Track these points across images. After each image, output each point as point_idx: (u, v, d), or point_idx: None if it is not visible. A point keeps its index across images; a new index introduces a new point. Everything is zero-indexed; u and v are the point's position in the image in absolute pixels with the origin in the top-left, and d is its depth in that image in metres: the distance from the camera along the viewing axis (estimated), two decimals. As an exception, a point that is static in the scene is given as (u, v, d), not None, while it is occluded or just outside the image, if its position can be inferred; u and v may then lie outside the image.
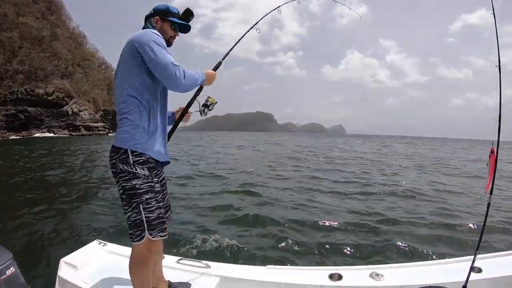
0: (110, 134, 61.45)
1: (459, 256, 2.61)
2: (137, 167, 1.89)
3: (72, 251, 2.69)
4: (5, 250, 2.02)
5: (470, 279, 1.93)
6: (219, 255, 4.41)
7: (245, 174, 12.42)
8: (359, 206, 7.55)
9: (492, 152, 2.00)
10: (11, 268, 1.92)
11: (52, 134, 53.30)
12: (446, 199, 8.95)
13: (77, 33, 76.33)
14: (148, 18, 2.15)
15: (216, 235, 5.10)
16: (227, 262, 2.70)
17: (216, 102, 2.35)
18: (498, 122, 1.97)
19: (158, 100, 2.03)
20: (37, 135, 50.89)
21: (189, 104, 2.37)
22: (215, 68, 2.36)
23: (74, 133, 56.65)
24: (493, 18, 2.16)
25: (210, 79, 2.24)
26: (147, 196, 1.90)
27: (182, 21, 2.18)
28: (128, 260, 2.01)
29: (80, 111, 60.53)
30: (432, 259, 2.70)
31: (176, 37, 2.21)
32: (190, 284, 2.32)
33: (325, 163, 18.82)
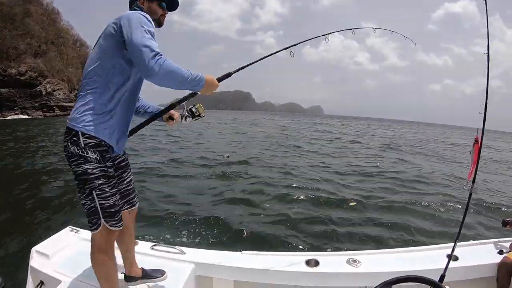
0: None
1: (438, 243, 2.67)
2: (88, 151, 1.78)
3: (44, 239, 2.63)
4: None
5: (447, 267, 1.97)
6: (194, 241, 4.40)
7: (222, 159, 12.21)
8: (338, 191, 7.59)
9: (476, 141, 2.00)
10: (-20, 260, 1.85)
11: (26, 116, 51.61)
12: (427, 183, 9.13)
13: (51, 9, 73.00)
14: (133, 1, 1.99)
15: (191, 220, 5.08)
16: (202, 248, 2.69)
17: (203, 116, 2.18)
18: (484, 110, 1.96)
19: (126, 89, 1.90)
20: (10, 117, 49.15)
21: (172, 106, 2.19)
22: (220, 79, 2.07)
23: (48, 114, 54.94)
24: (485, 4, 2.10)
25: (209, 87, 1.94)
26: (100, 182, 1.81)
27: None
28: None
29: (54, 91, 58.45)
30: (411, 245, 2.75)
31: (166, 15, 2.06)
32: (165, 271, 2.30)
33: (305, 143, 18.82)
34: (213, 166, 10.29)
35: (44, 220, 5.18)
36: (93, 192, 1.80)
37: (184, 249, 2.55)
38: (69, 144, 1.79)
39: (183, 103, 2.15)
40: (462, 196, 7.58)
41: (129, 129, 2.07)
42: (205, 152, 14.08)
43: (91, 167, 1.79)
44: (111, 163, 1.92)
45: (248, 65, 2.34)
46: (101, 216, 1.83)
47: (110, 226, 1.86)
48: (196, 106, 2.16)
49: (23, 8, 59.90)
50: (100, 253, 1.92)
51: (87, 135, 1.78)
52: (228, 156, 12.61)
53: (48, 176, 8.78)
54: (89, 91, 1.81)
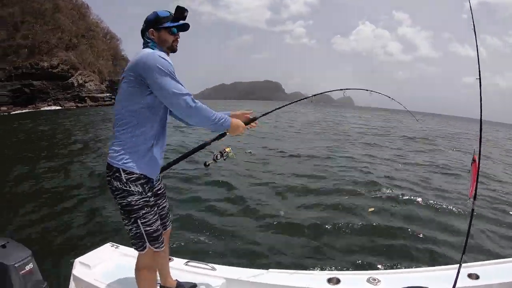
0: (116, 105, 60.48)
1: (456, 260, 2.71)
2: (130, 185, 1.94)
3: (87, 252, 2.89)
4: (24, 247, 2.20)
5: (467, 285, 2.06)
6: (224, 258, 4.51)
7: (249, 163, 10.85)
8: (360, 207, 6.78)
9: (474, 160, 2.07)
10: (29, 264, 2.10)
11: (59, 107, 53.19)
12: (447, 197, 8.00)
13: (81, 4, 74.62)
14: (144, 32, 2.07)
15: (222, 238, 5.21)
16: (232, 265, 2.88)
17: (230, 157, 2.39)
18: (479, 135, 2.04)
19: (156, 124, 2.03)
20: (43, 108, 50.79)
21: (205, 144, 2.36)
22: (246, 123, 2.26)
23: (80, 105, 56.46)
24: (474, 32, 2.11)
25: (236, 129, 2.15)
26: (144, 211, 1.98)
27: (177, 22, 2.07)
28: None
29: (85, 83, 59.97)
30: (431, 264, 2.81)
31: (179, 39, 2.12)
32: (196, 284, 2.50)
33: (334, 141, 17.76)
34: (239, 179, 8.81)
35: (87, 234, 5.40)
36: (138, 220, 1.98)
37: (215, 266, 2.73)
38: (112, 179, 1.96)
39: (213, 142, 2.33)
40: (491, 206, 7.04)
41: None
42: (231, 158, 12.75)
43: (134, 199, 1.96)
44: (150, 193, 2.07)
45: (273, 111, 2.65)
46: (146, 241, 2.02)
47: (156, 248, 2.06)
48: (227, 150, 2.40)
49: (53, 4, 61.41)
50: (145, 270, 2.13)
51: (127, 171, 1.94)
52: (250, 152, 11.35)
53: (92, 184, 8.35)
54: (122, 132, 1.96)
